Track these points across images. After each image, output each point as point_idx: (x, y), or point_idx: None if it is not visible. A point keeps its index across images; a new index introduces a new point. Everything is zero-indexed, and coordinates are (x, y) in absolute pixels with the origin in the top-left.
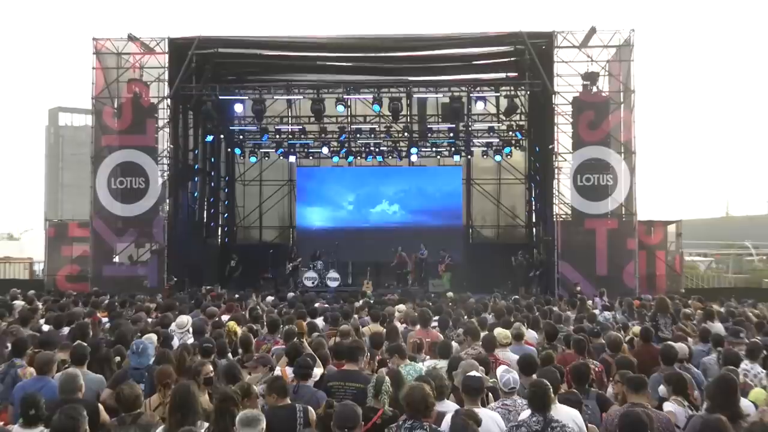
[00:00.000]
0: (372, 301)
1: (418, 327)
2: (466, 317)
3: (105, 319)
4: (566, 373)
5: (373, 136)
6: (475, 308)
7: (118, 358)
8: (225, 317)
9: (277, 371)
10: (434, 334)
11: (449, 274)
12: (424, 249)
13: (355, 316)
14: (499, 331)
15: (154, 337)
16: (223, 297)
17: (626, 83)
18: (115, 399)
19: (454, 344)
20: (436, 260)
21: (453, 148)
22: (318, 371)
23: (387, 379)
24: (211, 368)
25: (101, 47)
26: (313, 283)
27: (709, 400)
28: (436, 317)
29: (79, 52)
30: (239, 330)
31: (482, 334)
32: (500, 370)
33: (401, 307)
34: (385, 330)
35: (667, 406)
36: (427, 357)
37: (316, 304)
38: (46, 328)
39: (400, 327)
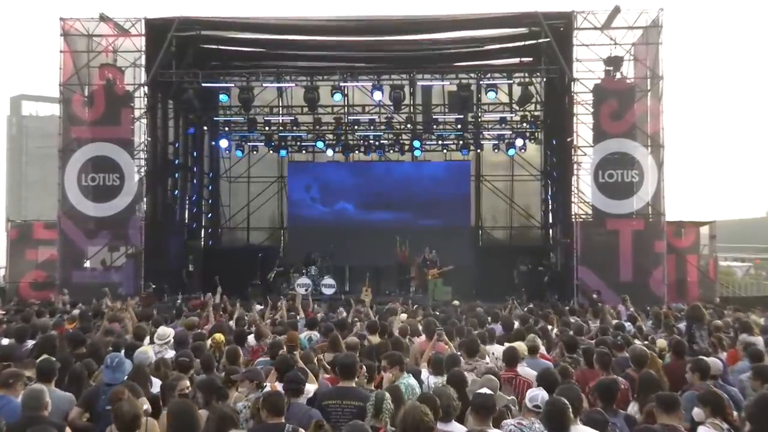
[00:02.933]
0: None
1: (422, 338)
2: (480, 327)
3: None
4: (586, 391)
5: (372, 128)
6: (482, 318)
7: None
8: (207, 327)
9: (267, 387)
10: (441, 347)
11: (440, 281)
12: (430, 252)
13: (358, 323)
14: (519, 345)
15: (150, 350)
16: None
17: (654, 69)
18: (113, 416)
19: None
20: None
21: (461, 142)
22: (311, 387)
23: (387, 395)
24: (187, 383)
25: (69, 28)
26: (306, 290)
27: (750, 423)
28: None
29: (44, 33)
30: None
31: (499, 348)
32: (534, 388)
33: (402, 316)
34: (388, 341)
35: (703, 431)
36: (429, 370)
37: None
38: (5, 341)
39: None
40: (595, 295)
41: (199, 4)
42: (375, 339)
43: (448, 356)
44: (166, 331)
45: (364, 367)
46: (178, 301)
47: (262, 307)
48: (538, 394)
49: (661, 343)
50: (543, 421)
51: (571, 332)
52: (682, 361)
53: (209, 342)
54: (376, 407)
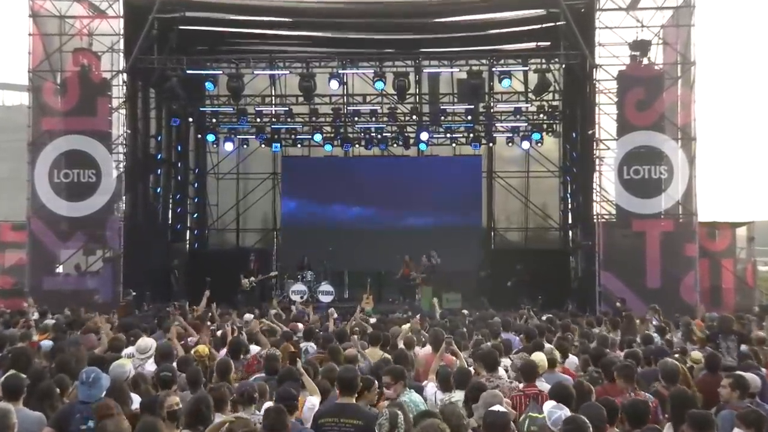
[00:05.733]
0: (374, 320)
1: (426, 349)
2: (494, 339)
3: (46, 343)
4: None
5: (374, 119)
6: (496, 329)
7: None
8: (192, 339)
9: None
10: (449, 359)
11: (430, 289)
12: (437, 256)
13: (354, 337)
14: (538, 357)
15: (128, 364)
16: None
17: (685, 53)
18: None
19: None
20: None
21: (471, 135)
22: (315, 400)
23: (400, 413)
24: (177, 400)
25: (39, 8)
26: (301, 297)
27: None
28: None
29: (11, 14)
30: (210, 352)
31: (514, 360)
32: (549, 405)
33: (406, 326)
34: (390, 356)
35: None
36: (435, 385)
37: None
38: None
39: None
40: (618, 304)
41: None
42: (377, 351)
43: (458, 370)
44: (147, 343)
45: (375, 382)
46: (168, 309)
47: (254, 316)
48: (560, 415)
49: (696, 355)
50: None
51: (596, 344)
52: (716, 377)
53: (193, 355)
54: (391, 423)
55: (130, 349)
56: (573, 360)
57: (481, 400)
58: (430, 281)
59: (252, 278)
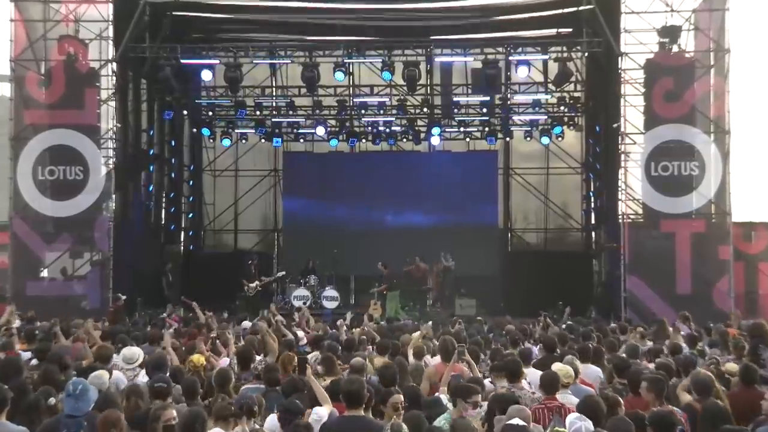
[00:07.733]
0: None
1: (436, 359)
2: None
3: (27, 354)
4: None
5: (382, 112)
6: (514, 337)
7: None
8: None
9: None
10: (460, 368)
11: (396, 293)
12: (450, 258)
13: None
14: (559, 368)
15: (105, 375)
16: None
17: (718, 40)
18: None
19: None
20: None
21: (486, 128)
22: (324, 412)
23: (404, 427)
24: (173, 413)
25: None
26: (304, 303)
27: None
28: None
29: None
30: (209, 362)
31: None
32: (571, 416)
33: (417, 334)
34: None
35: None
36: (447, 398)
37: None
38: None
39: (412, 361)
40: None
41: None
42: (383, 362)
43: (469, 380)
44: (134, 352)
45: (400, 394)
46: (163, 315)
47: (251, 323)
48: (580, 426)
49: (732, 366)
50: None
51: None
52: (751, 390)
53: (187, 365)
54: None
55: (115, 359)
56: (594, 370)
57: (506, 414)
58: (395, 287)
59: (257, 282)
